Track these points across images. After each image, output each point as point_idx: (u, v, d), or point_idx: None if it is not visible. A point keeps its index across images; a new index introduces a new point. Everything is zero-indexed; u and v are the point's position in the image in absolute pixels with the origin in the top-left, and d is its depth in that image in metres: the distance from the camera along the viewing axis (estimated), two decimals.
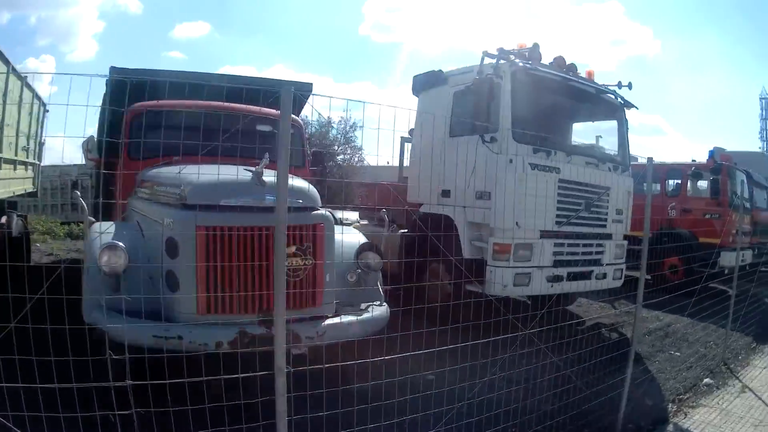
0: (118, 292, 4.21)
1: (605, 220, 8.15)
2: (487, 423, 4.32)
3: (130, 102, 6.08)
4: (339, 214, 10.87)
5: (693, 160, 13.65)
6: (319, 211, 5.00)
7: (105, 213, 6.24)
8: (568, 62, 8.15)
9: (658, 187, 13.40)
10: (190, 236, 4.37)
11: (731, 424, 5.54)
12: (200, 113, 5.72)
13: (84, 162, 6.57)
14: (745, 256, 12.05)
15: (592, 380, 5.30)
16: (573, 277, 7.69)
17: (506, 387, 4.74)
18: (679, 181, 13.52)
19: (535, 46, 7.71)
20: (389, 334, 4.36)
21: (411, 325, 4.25)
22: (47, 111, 11.19)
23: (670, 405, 5.99)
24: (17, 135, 8.83)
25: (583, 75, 8.39)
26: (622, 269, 8.54)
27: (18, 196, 9.64)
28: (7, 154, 8.23)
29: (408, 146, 9.69)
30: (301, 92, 7.77)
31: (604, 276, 8.21)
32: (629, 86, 8.61)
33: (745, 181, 13.41)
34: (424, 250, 5.89)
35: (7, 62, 7.58)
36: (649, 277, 9.66)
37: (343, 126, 29.27)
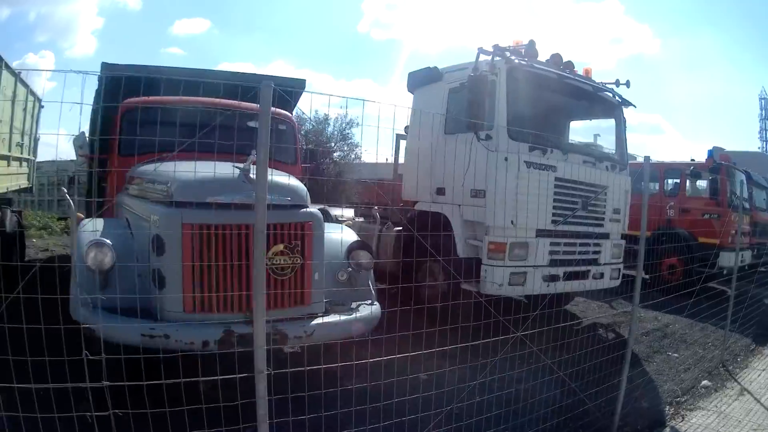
0: (106, 290, 4.20)
1: (602, 219, 8.07)
2: (478, 426, 4.26)
3: (122, 98, 6.02)
4: (335, 212, 10.92)
5: (692, 160, 13.57)
6: (307, 209, 4.93)
7: (97, 210, 6.22)
8: (565, 59, 8.06)
9: (657, 186, 13.34)
10: (176, 234, 4.32)
11: (729, 428, 5.46)
12: (191, 109, 5.67)
13: (76, 158, 6.51)
14: (744, 256, 11.96)
15: (587, 382, 5.22)
16: (569, 276, 7.60)
17: (499, 389, 4.64)
18: (678, 181, 13.44)
19: (531, 42, 7.63)
20: (379, 333, 4.31)
21: (403, 325, 4.14)
22: (42, 107, 11.17)
23: (667, 408, 5.90)
24: (11, 131, 8.78)
25: (581, 72, 8.32)
26: (619, 269, 8.46)
27: (12, 191, 9.56)
28: (1, 150, 8.18)
29: (403, 143, 9.63)
30: (293, 89, 7.86)
31: (602, 276, 8.13)
32: (627, 84, 8.54)
33: (745, 181, 13.34)
34: (418, 249, 5.83)
35: (0, 59, 7.52)
36: (647, 277, 9.63)
37: (339, 123, 29.24)
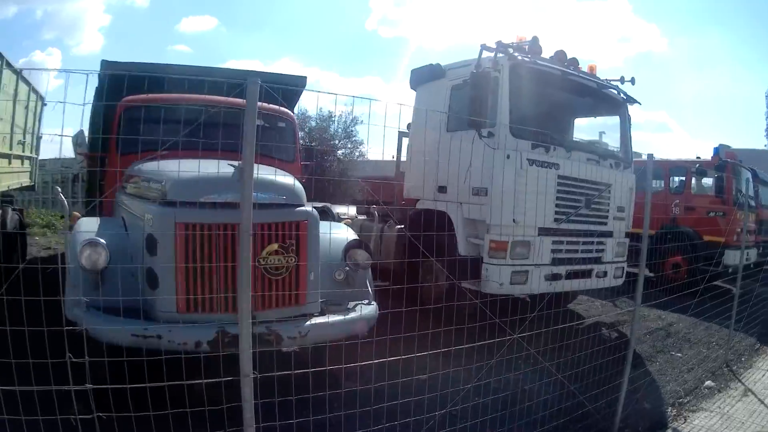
0: (98, 290, 4.12)
1: (606, 217, 8.00)
2: (473, 429, 4.21)
3: (122, 96, 5.99)
4: (339, 210, 10.87)
5: (697, 157, 13.47)
6: (303, 208, 4.87)
7: (91, 208, 6.20)
8: (570, 57, 7.99)
9: (662, 184, 13.25)
10: (169, 233, 4.26)
11: (732, 430, 5.39)
12: (189, 107, 5.62)
13: (74, 156, 6.48)
14: (749, 254, 11.89)
15: (589, 383, 5.15)
16: (572, 275, 7.54)
17: (498, 391, 4.60)
18: (683, 179, 13.35)
19: (535, 39, 7.55)
20: (377, 333, 4.25)
21: (401, 325, 4.09)
22: (45, 105, 11.15)
23: (669, 409, 5.83)
24: (12, 129, 8.76)
25: (585, 69, 8.24)
26: (623, 267, 8.39)
27: (13, 189, 9.54)
28: (1, 148, 8.16)
29: (406, 141, 9.56)
30: (295, 87, 7.81)
31: (605, 274, 8.06)
32: (632, 81, 8.46)
33: (750, 178, 13.24)
34: (419, 247, 5.77)
35: (0, 57, 7.50)
36: (652, 275, 9.55)
37: (344, 121, 29.20)
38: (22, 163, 10.12)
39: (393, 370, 3.74)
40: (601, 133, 8.92)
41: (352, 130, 29.91)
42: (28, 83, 9.61)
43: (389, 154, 10.37)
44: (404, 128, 8.92)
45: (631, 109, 8.82)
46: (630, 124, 8.88)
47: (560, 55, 7.88)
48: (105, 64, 7.09)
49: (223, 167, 4.25)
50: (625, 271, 8.43)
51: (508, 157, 6.93)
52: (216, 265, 4.25)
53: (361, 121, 30.27)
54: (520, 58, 7.34)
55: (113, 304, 3.88)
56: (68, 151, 6.63)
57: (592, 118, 9.55)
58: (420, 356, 3.86)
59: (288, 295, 4.59)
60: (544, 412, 4.82)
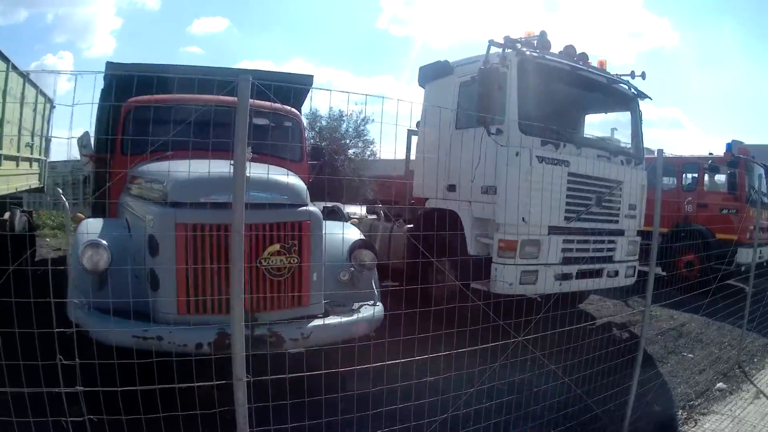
0: (102, 291, 4.13)
1: (617, 215, 7.88)
2: None
3: (126, 97, 5.97)
4: (350, 209, 10.81)
5: (710, 153, 13.30)
6: (306, 208, 4.82)
7: (102, 209, 6.18)
8: (579, 51, 7.89)
9: (675, 181, 13.11)
10: (170, 234, 4.24)
11: None
12: (193, 108, 5.57)
13: (80, 158, 6.46)
14: (763, 252, 11.70)
15: (598, 386, 5.05)
16: (583, 274, 7.42)
17: (506, 394, 4.47)
18: (696, 175, 13.20)
19: (543, 34, 7.45)
20: (381, 335, 4.19)
21: (407, 326, 4.02)
22: (54, 108, 11.19)
23: (680, 412, 5.71)
24: (20, 132, 8.77)
25: (595, 65, 8.14)
26: (635, 266, 8.26)
27: (22, 192, 9.55)
28: (8, 150, 8.15)
29: (415, 139, 9.49)
30: (303, 85, 7.76)
31: (616, 273, 7.94)
32: (642, 76, 8.35)
33: (763, 174, 13.05)
34: (428, 247, 5.69)
35: (6, 60, 7.51)
36: (665, 274, 9.43)
37: (354, 120, 29.12)
38: (31, 166, 10.13)
39: (395, 372, 3.69)
40: (613, 130, 8.81)
41: (363, 129, 29.87)
42: (35, 86, 9.62)
43: (401, 153, 10.31)
44: (414, 126, 8.86)
45: (644, 105, 8.71)
46: (641, 120, 8.76)
47: (570, 50, 7.78)
48: (109, 65, 7.08)
49: (225, 167, 4.21)
50: (636, 270, 8.30)
51: (517, 154, 6.84)
52: (217, 266, 4.21)
53: (372, 120, 30.31)
54: (528, 53, 7.25)
55: (115, 306, 3.85)
56: (78, 154, 6.62)
57: (604, 115, 9.43)
58: (424, 358, 3.79)
59: (290, 296, 4.56)
60: (551, 415, 4.74)
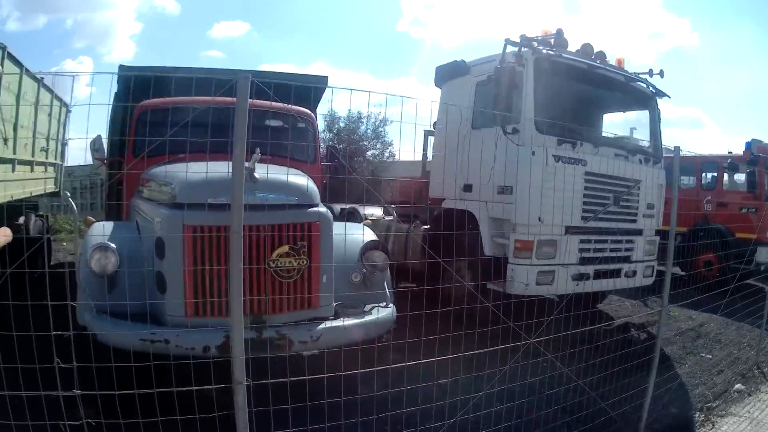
0: (110, 294, 4.14)
1: (635, 214, 7.77)
2: None
3: (140, 99, 5.96)
4: (367, 211, 10.76)
5: (729, 152, 13.12)
6: (315, 209, 4.78)
7: (116, 212, 6.17)
8: (597, 50, 7.79)
9: (694, 180, 12.96)
10: (177, 236, 4.22)
11: None
12: (206, 109, 5.54)
13: (92, 162, 6.47)
14: None
15: (613, 388, 4.97)
16: (600, 275, 7.32)
17: (518, 397, 4.41)
18: (715, 174, 13.02)
19: (559, 32, 7.35)
20: (395, 337, 4.14)
21: (419, 328, 3.95)
22: (70, 112, 11.23)
23: (697, 414, 5.61)
24: (34, 136, 8.79)
25: (613, 63, 8.03)
26: (653, 266, 8.15)
27: (36, 196, 9.57)
28: (23, 155, 8.17)
29: (432, 140, 9.43)
30: (317, 85, 7.71)
31: (634, 273, 7.84)
32: (661, 74, 8.22)
33: None
34: (445, 247, 5.62)
35: (19, 65, 7.53)
36: (683, 274, 9.29)
37: (373, 121, 28.99)
38: (46, 170, 10.16)
39: (406, 375, 3.66)
40: (632, 129, 8.69)
41: (381, 131, 29.73)
42: (50, 90, 9.64)
43: (420, 154, 10.25)
44: (431, 127, 8.80)
45: (664, 105, 8.61)
46: (660, 119, 8.65)
47: (587, 48, 7.68)
48: (122, 68, 7.08)
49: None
50: (655, 270, 8.19)
51: (534, 153, 6.77)
52: (225, 267, 4.17)
53: (391, 121, 30.16)
54: (544, 51, 7.17)
55: (123, 309, 3.87)
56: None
57: (623, 114, 9.34)
58: (432, 361, 3.74)
59: (300, 298, 4.52)
60: (565, 418, 4.69)
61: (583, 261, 7.14)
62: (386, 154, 28.39)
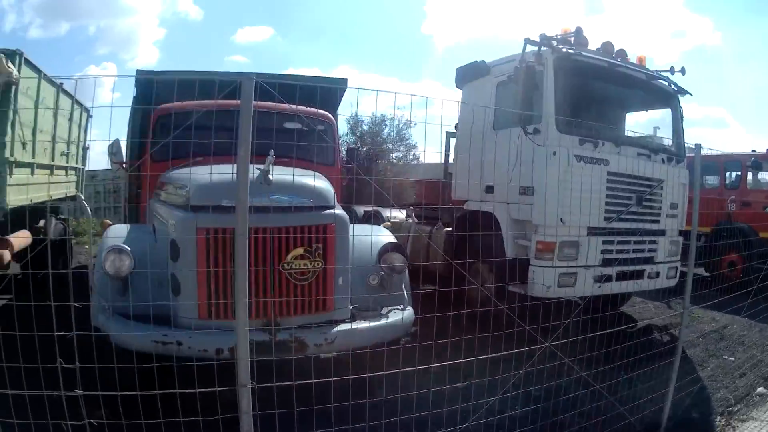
0: (125, 296, 4.16)
1: (658, 214, 7.67)
2: None
3: (158, 103, 5.97)
4: (390, 213, 10.73)
5: (753, 151, 12.92)
6: (330, 211, 4.74)
7: (135, 216, 6.20)
8: (618, 48, 7.69)
9: (717, 179, 12.78)
10: (190, 238, 4.22)
11: None
12: (224, 112, 5.53)
13: (110, 166, 6.50)
14: None
15: (633, 392, 4.90)
16: (623, 276, 7.24)
17: (534, 401, 4.37)
18: (739, 173, 12.83)
19: (579, 30, 7.27)
20: (409, 340, 4.10)
21: (438, 331, 3.88)
22: (91, 116, 11.33)
23: (718, 418, 5.48)
24: (54, 140, 8.86)
25: (634, 61, 7.93)
26: (676, 267, 8.03)
27: (56, 200, 9.64)
28: (42, 159, 8.24)
29: (454, 141, 9.38)
30: (337, 86, 7.69)
31: (657, 275, 7.74)
32: (682, 71, 8.11)
33: None
34: (466, 249, 5.56)
35: (38, 71, 7.59)
36: (707, 274, 9.14)
37: (396, 123, 28.85)
38: (67, 174, 10.24)
39: (424, 378, 3.62)
40: (655, 128, 8.60)
41: (405, 133, 29.60)
42: (70, 95, 9.72)
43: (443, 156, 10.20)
44: (453, 129, 8.76)
45: (689, 105, 8.52)
46: (682, 117, 8.53)
47: (607, 46, 7.59)
48: (140, 73, 7.10)
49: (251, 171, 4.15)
50: (678, 271, 8.06)
51: (555, 153, 6.69)
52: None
53: (415, 123, 30.02)
54: (564, 50, 7.09)
55: (137, 311, 3.89)
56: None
57: (646, 113, 9.23)
58: (442, 365, 3.72)
59: (314, 300, 4.49)
60: (582, 423, 4.59)
61: (606, 262, 7.04)
62: (410, 157, 28.26)
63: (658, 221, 7.68)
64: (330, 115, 7.17)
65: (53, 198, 9.23)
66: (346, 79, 8.10)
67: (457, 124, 8.56)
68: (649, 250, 7.65)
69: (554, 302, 5.82)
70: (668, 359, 5.18)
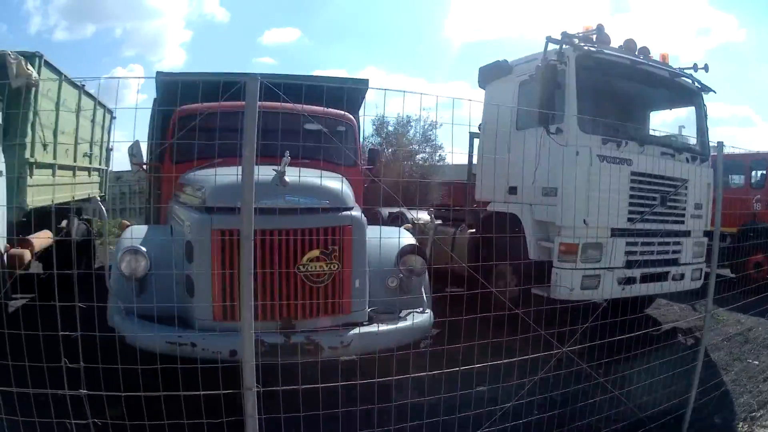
0: (140, 297, 4.18)
1: (683, 215, 7.56)
2: None
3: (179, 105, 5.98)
4: (416, 214, 10.71)
5: None
6: (347, 212, 4.70)
7: (156, 217, 6.23)
8: (640, 46, 7.59)
9: (743, 178, 12.56)
10: (205, 240, 4.23)
11: None
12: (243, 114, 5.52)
13: (130, 167, 6.53)
14: None
15: (653, 399, 4.81)
16: (647, 278, 7.11)
17: (546, 408, 4.30)
18: (764, 172, 12.59)
19: (600, 27, 7.20)
20: (429, 343, 4.06)
21: (456, 335, 3.84)
22: (114, 118, 11.43)
23: (741, 424, 5.35)
24: (76, 142, 8.94)
25: (657, 59, 7.82)
26: (701, 269, 7.89)
27: (79, 201, 9.73)
28: (63, 160, 8.31)
29: (477, 142, 9.32)
30: (357, 86, 7.66)
31: (682, 277, 7.63)
32: (705, 68, 8.01)
33: None
34: (490, 251, 5.50)
35: (59, 73, 7.66)
36: (733, 276, 8.99)
37: (422, 124, 28.74)
38: (89, 175, 10.34)
39: (438, 382, 3.61)
40: (680, 127, 8.48)
41: (430, 134, 29.47)
42: (92, 97, 9.80)
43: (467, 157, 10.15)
44: (476, 129, 8.71)
45: (715, 103, 8.40)
46: (707, 115, 8.41)
47: (630, 44, 7.51)
48: (160, 74, 7.12)
49: (267, 172, 4.13)
50: (703, 273, 7.92)
51: (577, 153, 6.61)
52: (253, 272, 4.12)
53: (441, 125, 29.93)
54: (586, 48, 7.00)
55: (153, 311, 3.90)
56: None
57: (671, 111, 9.12)
58: (454, 371, 3.65)
59: (331, 303, 4.46)
60: (600, 430, 4.51)
61: (630, 264, 6.95)
62: (436, 158, 28.14)
63: (682, 222, 7.57)
64: (351, 116, 7.14)
65: (76, 199, 9.32)
66: (367, 80, 8.06)
67: (480, 124, 8.50)
68: (674, 252, 7.54)
69: (578, 305, 5.74)
70: (691, 363, 5.09)
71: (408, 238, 5.48)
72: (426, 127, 27.60)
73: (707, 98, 8.41)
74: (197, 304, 4.26)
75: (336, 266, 4.46)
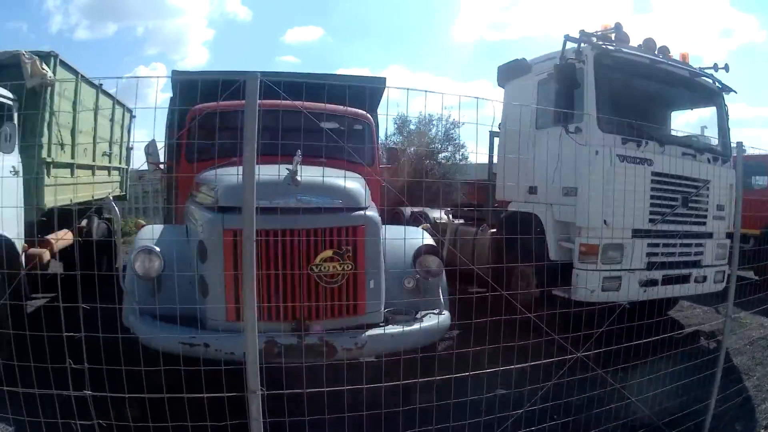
0: (154, 297, 4.19)
1: (705, 216, 7.42)
2: None
3: (193, 104, 5.98)
4: (437, 214, 10.65)
5: None
6: (361, 212, 4.65)
7: (173, 216, 6.24)
8: (660, 45, 7.49)
9: (766, 179, 12.37)
10: (218, 240, 4.20)
11: None
12: (261, 112, 5.49)
13: (147, 166, 6.54)
14: None
15: (672, 406, 4.73)
16: (669, 280, 6.99)
17: (560, 414, 4.23)
18: None
19: (618, 26, 7.11)
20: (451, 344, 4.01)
21: (475, 337, 3.81)
22: (134, 117, 11.51)
23: (762, 431, 5.25)
24: (95, 141, 8.99)
25: (677, 58, 7.70)
26: (724, 271, 7.74)
27: (99, 200, 9.78)
28: (82, 160, 8.35)
29: (497, 141, 9.25)
30: (374, 85, 7.61)
31: (704, 279, 7.48)
32: (726, 68, 7.88)
33: None
34: (510, 252, 5.42)
35: (75, 73, 7.71)
36: (757, 278, 8.82)
37: (444, 123, 28.61)
38: (109, 174, 10.39)
39: (449, 385, 3.57)
40: (703, 128, 8.36)
41: (452, 133, 29.32)
42: (110, 96, 9.86)
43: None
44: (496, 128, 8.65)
45: (738, 104, 8.29)
46: (728, 115, 8.28)
47: (649, 43, 7.41)
48: (175, 73, 7.13)
49: (281, 171, 4.11)
50: (726, 275, 7.77)
51: (597, 153, 6.54)
52: (266, 272, 4.10)
53: (462, 123, 29.78)
54: (604, 47, 6.92)
55: (166, 312, 3.92)
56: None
57: (693, 111, 9.00)
58: (464, 376, 3.62)
59: (344, 304, 4.41)
60: None
61: (651, 266, 6.84)
62: (458, 157, 28.00)
63: (704, 223, 7.44)
64: (368, 115, 7.10)
65: (96, 198, 9.37)
66: (385, 78, 8.03)
67: (500, 123, 8.44)
68: (696, 254, 7.42)
69: (601, 308, 5.66)
70: (712, 368, 5.00)
71: (426, 239, 5.42)
72: (447, 126, 27.53)
73: (729, 99, 8.27)
74: (211, 305, 4.24)
75: (350, 267, 4.41)
